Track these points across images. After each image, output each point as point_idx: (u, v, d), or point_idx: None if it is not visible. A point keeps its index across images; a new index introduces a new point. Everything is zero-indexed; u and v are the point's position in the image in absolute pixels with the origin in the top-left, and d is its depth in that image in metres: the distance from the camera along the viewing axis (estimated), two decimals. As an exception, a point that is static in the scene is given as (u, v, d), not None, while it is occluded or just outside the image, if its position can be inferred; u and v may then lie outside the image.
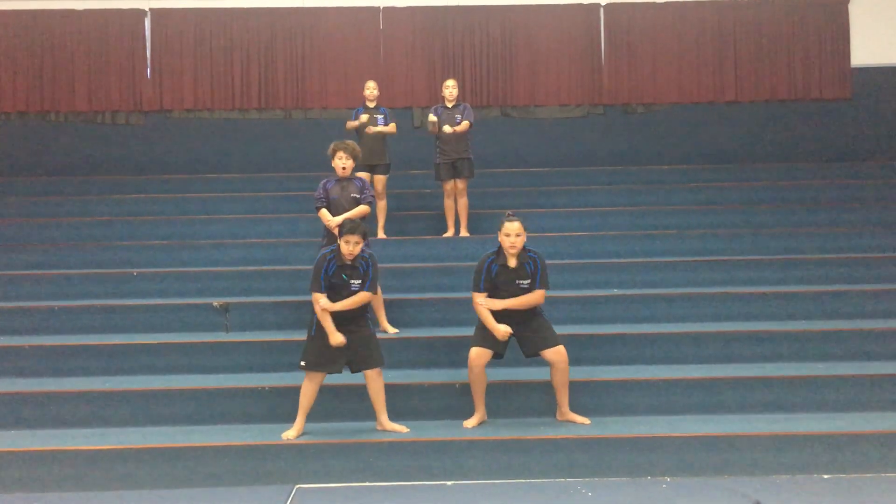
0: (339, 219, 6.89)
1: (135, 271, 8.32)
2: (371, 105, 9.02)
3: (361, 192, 7.05)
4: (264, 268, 8.41)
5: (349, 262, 5.76)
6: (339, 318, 5.74)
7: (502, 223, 5.90)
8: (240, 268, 8.43)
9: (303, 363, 5.78)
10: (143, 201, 10.03)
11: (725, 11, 11.44)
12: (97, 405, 6.19)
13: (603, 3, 11.49)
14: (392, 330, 7.10)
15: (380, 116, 8.98)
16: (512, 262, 5.87)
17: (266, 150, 11.36)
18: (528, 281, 5.87)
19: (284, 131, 11.46)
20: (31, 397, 6.24)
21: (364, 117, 8.89)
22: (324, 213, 7.02)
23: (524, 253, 5.90)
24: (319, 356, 5.75)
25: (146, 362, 6.83)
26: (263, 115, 11.50)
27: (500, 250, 5.92)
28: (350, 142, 7.15)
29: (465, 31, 11.45)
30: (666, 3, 11.46)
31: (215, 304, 7.54)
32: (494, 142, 10.97)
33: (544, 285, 5.91)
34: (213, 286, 8.07)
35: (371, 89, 9.00)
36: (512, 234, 5.84)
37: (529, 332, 5.89)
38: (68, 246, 8.97)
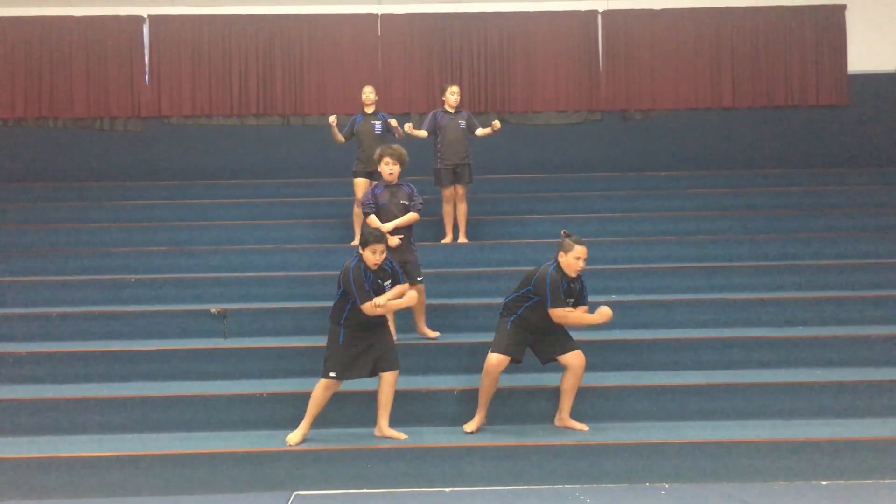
0: (390, 225, 6.93)
1: (133, 277, 8.31)
2: (369, 111, 9.02)
3: (411, 199, 7.09)
4: (262, 274, 8.41)
5: (377, 269, 5.81)
6: (366, 325, 5.76)
7: (570, 245, 5.81)
8: (238, 274, 8.42)
9: (332, 374, 5.75)
10: (141, 207, 10.02)
11: (723, 18, 11.45)
12: (95, 412, 6.18)
13: (601, 10, 11.51)
14: (432, 334, 7.10)
15: (377, 122, 8.97)
16: (573, 282, 5.90)
17: (264, 156, 11.36)
18: (573, 299, 5.91)
19: (283, 137, 11.46)
20: (29, 404, 6.24)
21: (409, 126, 8.79)
22: (372, 219, 7.01)
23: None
24: (348, 364, 5.76)
25: (144, 369, 6.82)
26: (262, 121, 11.51)
27: (559, 265, 5.86)
28: (396, 146, 7.16)
29: (463, 37, 11.46)
30: (663, 10, 11.48)
31: (213, 310, 7.53)
32: (492, 148, 10.92)
33: (587, 301, 6.00)
34: (211, 292, 8.07)
35: (368, 94, 9.00)
36: (582, 258, 5.81)
37: (549, 337, 5.90)
38: (66, 252, 8.95)
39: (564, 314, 5.78)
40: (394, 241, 6.90)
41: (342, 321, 5.79)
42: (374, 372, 5.86)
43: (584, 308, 5.95)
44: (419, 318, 7.16)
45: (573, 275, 5.85)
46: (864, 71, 11.43)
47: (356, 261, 5.79)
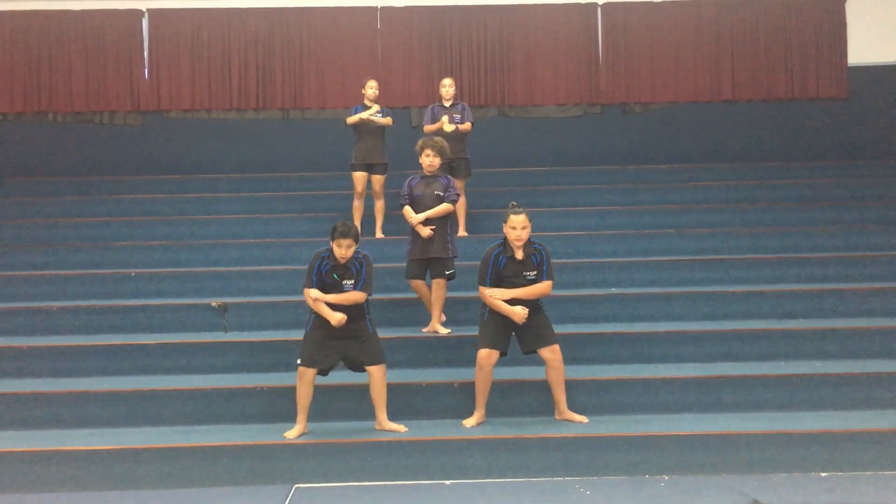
0: (422, 216, 6.93)
1: (133, 272, 8.32)
2: (369, 104, 8.99)
3: (446, 191, 7.05)
4: (262, 268, 8.42)
5: (342, 263, 5.77)
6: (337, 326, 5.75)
7: (507, 215, 5.88)
8: (238, 268, 8.43)
9: (298, 360, 5.80)
10: (141, 202, 10.02)
11: (723, 10, 11.44)
12: (96, 405, 6.20)
13: (600, 3, 11.49)
14: (443, 331, 7.04)
15: (378, 116, 8.95)
16: (519, 255, 5.87)
17: (264, 150, 11.36)
18: (535, 273, 5.87)
19: (282, 131, 11.46)
20: (30, 398, 6.25)
21: (375, 109, 8.79)
22: (407, 210, 7.03)
23: (529, 245, 5.90)
24: (313, 352, 5.77)
25: (144, 362, 6.84)
26: (261, 115, 11.50)
27: (505, 242, 5.91)
28: (438, 139, 7.14)
29: (463, 30, 11.45)
30: (663, 2, 11.46)
31: (213, 304, 7.54)
32: (492, 141, 10.96)
33: (550, 276, 5.92)
34: (211, 286, 8.08)
35: (373, 88, 8.95)
36: (518, 227, 5.82)
37: (529, 328, 5.90)
38: (66, 246, 8.96)
39: (482, 292, 5.87)
40: (425, 231, 6.88)
41: (312, 313, 5.82)
42: (353, 367, 5.86)
43: (546, 284, 5.87)
44: (434, 314, 7.09)
45: (517, 245, 5.83)
46: (865, 63, 11.42)
47: (325, 248, 5.81)
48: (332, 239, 5.74)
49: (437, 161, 7.04)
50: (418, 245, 6.99)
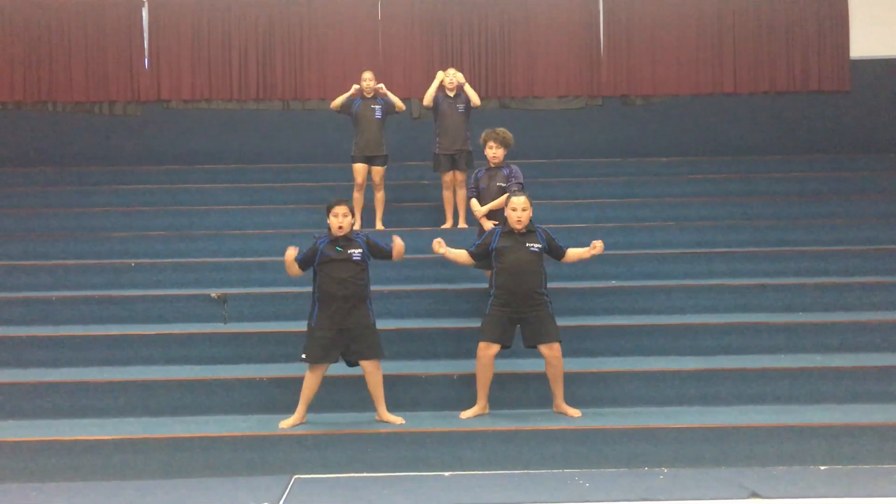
0: (485, 208, 6.99)
1: (132, 262, 8.31)
2: (369, 95, 8.97)
3: (507, 181, 7.06)
4: (262, 259, 8.40)
5: (341, 236, 5.76)
6: (341, 307, 5.72)
7: (508, 199, 5.98)
8: (238, 259, 8.42)
9: (304, 356, 5.78)
10: (141, 192, 10.00)
11: (724, 3, 11.40)
12: (95, 395, 6.20)
13: (602, -5, 11.48)
14: None
15: (377, 107, 8.93)
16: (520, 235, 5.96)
17: (264, 140, 11.33)
18: (539, 245, 5.93)
19: (282, 122, 11.43)
20: (30, 387, 6.25)
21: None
22: (473, 202, 7.14)
23: (531, 225, 5.98)
24: (319, 348, 5.75)
25: (144, 353, 6.84)
26: (261, 105, 11.47)
27: (506, 223, 6.02)
28: (500, 129, 7.15)
29: (464, 22, 11.42)
30: (665, -6, 11.44)
31: (213, 294, 7.54)
32: (493, 133, 10.93)
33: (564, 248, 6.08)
34: (211, 277, 8.07)
35: (367, 80, 8.94)
36: (518, 209, 5.87)
37: (531, 322, 5.90)
38: (66, 237, 8.94)
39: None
40: (487, 225, 6.89)
41: (315, 300, 5.82)
42: (347, 357, 5.85)
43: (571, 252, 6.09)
44: None
45: (518, 228, 5.89)
46: (867, 56, 11.38)
47: (319, 236, 5.86)
48: (328, 211, 5.78)
49: (500, 152, 7.06)
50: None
